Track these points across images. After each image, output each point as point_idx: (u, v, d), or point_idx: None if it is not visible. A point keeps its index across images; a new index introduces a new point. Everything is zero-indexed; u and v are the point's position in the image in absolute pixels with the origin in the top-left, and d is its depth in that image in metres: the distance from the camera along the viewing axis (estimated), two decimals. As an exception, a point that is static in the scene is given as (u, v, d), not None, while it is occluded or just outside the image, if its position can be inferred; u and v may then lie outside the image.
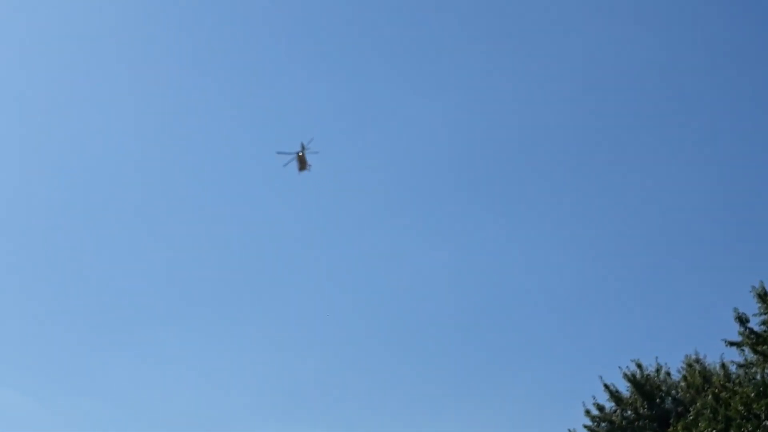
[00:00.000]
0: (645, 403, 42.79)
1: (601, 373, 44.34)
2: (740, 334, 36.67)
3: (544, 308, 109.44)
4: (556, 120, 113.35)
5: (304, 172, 41.05)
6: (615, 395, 43.65)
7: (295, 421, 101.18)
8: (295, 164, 41.27)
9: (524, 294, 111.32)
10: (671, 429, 37.50)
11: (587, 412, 44.55)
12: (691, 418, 35.79)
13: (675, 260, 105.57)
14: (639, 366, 43.90)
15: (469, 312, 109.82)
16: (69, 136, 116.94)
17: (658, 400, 43.15)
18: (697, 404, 37.17)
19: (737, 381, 37.55)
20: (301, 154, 40.11)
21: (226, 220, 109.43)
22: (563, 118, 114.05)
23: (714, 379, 40.04)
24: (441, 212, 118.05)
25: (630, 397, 43.45)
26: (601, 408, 44.26)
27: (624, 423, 42.96)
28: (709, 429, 32.69)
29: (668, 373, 44.28)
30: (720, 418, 32.59)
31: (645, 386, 43.16)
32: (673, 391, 43.55)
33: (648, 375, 43.84)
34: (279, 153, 41.27)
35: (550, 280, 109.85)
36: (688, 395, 41.79)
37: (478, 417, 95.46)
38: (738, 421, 31.69)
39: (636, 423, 42.69)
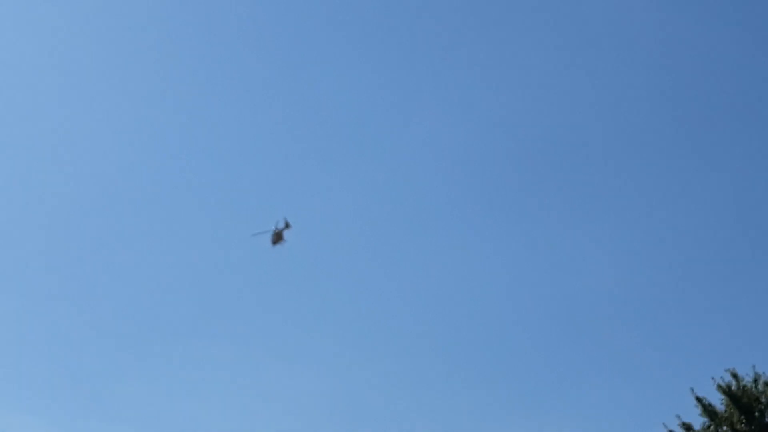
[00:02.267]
0: (743, 417, 36.66)
1: (692, 386, 38.64)
2: None
3: (621, 314, 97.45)
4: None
5: (278, 246, 39.40)
6: (708, 409, 37.69)
7: None
8: (270, 237, 39.24)
9: (601, 299, 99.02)
10: None
11: None
12: None
13: None
14: (735, 376, 37.95)
15: (536, 320, 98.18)
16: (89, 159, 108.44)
17: (757, 414, 36.99)
18: None
19: None
20: (280, 231, 38.34)
21: (252, 228, 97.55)
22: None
23: None
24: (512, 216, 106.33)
25: (725, 411, 37.43)
26: (688, 427, 38.38)
27: None
28: None
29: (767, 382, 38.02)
30: None
31: (742, 399, 37.13)
32: None
33: (745, 386, 37.64)
34: (254, 235, 38.67)
35: (630, 284, 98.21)
36: None
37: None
38: None
39: None
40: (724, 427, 36.67)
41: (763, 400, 36.73)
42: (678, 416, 38.64)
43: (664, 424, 39.08)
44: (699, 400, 37.70)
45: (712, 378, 38.05)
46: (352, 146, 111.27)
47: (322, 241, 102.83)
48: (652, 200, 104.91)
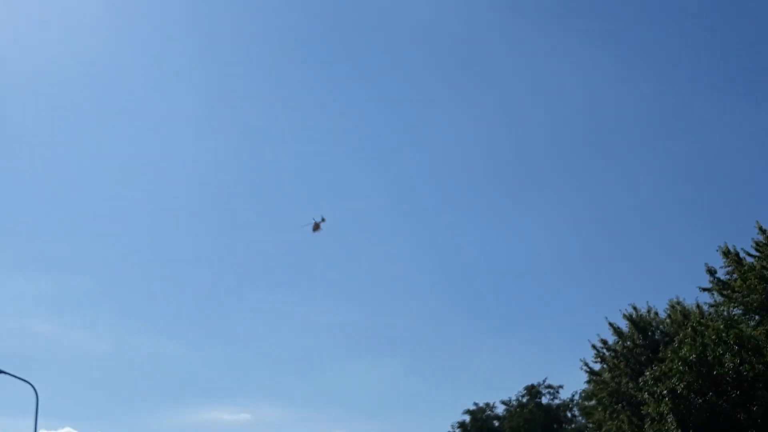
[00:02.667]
0: (640, 335, 48.13)
1: (607, 316, 51.16)
2: (710, 282, 43.06)
3: (560, 267, 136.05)
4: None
5: (316, 232, 50.08)
6: (617, 330, 49.37)
7: (370, 355, 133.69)
8: (311, 226, 49.86)
9: (552, 262, 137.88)
10: (661, 354, 41.63)
11: (593, 346, 50.91)
12: (676, 345, 39.12)
13: (663, 232, 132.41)
14: (635, 309, 49.60)
15: (501, 270, 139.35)
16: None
17: (650, 333, 48.32)
18: (680, 335, 40.46)
19: (710, 317, 42.25)
20: (318, 222, 48.53)
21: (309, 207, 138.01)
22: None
23: (692, 316, 44.19)
24: (476, 207, 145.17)
25: (628, 331, 48.90)
26: (604, 342, 50.02)
27: (624, 351, 48.41)
28: (690, 352, 36.27)
29: (656, 313, 49.64)
30: (698, 344, 36.54)
31: (640, 323, 48.58)
32: (661, 326, 48.69)
33: (642, 315, 49.35)
34: (302, 226, 49.88)
35: (574, 253, 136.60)
36: (672, 329, 46.36)
37: (516, 351, 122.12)
38: (712, 346, 35.94)
39: (633, 350, 47.94)
40: (628, 342, 48.80)
41: (653, 324, 49.02)
42: (598, 335, 51.40)
43: (588, 340, 51.94)
44: (611, 324, 50.23)
45: (620, 310, 50.52)
46: (374, 155, 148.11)
47: (350, 226, 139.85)
48: (571, 194, 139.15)
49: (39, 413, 38.36)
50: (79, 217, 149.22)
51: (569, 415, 67.90)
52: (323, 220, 48.64)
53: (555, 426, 66.84)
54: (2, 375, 38.03)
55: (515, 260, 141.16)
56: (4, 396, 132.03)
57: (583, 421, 61.94)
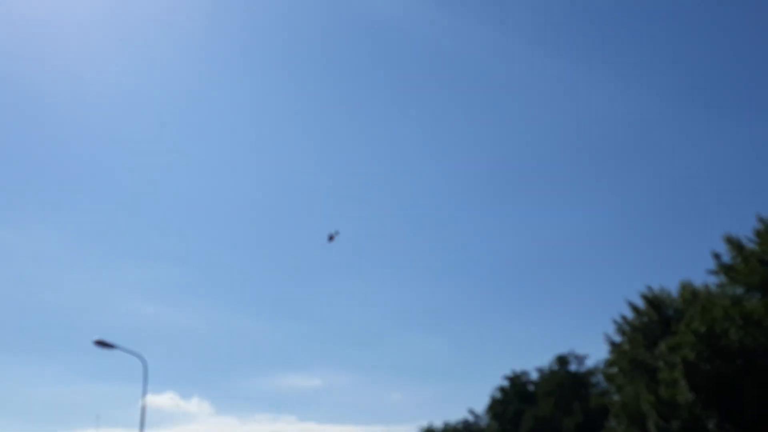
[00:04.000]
0: (655, 312, 49.93)
1: (626, 295, 54.57)
2: (716, 265, 43.98)
3: (593, 258, 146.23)
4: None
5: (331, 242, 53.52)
6: (635, 308, 51.21)
7: (423, 329, 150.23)
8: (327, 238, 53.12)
9: (579, 250, 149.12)
10: (673, 328, 43.22)
11: (614, 321, 52.93)
12: (688, 319, 40.01)
13: (675, 223, 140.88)
14: (650, 289, 51.54)
15: (541, 263, 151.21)
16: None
17: (663, 310, 50.00)
18: (691, 311, 41.61)
19: (716, 295, 43.35)
20: (332, 235, 53.20)
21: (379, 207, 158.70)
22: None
23: (701, 295, 45.71)
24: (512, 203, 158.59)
25: (645, 309, 50.73)
26: (624, 318, 51.90)
27: (641, 325, 50.24)
28: (700, 326, 37.47)
29: (669, 293, 51.10)
30: (707, 319, 37.62)
31: (655, 302, 50.33)
32: (673, 304, 50.02)
33: (656, 294, 51.14)
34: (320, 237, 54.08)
35: (599, 242, 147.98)
36: (683, 306, 47.45)
37: (547, 326, 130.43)
38: (719, 320, 37.16)
39: (649, 325, 49.68)
40: (644, 318, 50.89)
41: (666, 302, 50.83)
42: (619, 312, 53.62)
43: (611, 316, 54.05)
44: (630, 303, 52.37)
45: (638, 291, 52.70)
46: (412, 166, 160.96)
47: (402, 226, 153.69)
48: (597, 192, 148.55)
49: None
50: (178, 217, 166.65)
51: (594, 380, 70.18)
52: (337, 233, 54.92)
53: (582, 390, 69.07)
54: (116, 350, 39.19)
55: (548, 250, 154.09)
56: (117, 367, 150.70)
57: (606, 385, 63.43)
